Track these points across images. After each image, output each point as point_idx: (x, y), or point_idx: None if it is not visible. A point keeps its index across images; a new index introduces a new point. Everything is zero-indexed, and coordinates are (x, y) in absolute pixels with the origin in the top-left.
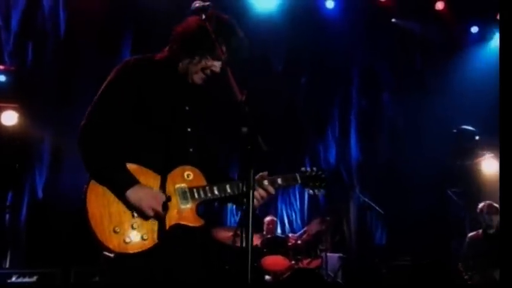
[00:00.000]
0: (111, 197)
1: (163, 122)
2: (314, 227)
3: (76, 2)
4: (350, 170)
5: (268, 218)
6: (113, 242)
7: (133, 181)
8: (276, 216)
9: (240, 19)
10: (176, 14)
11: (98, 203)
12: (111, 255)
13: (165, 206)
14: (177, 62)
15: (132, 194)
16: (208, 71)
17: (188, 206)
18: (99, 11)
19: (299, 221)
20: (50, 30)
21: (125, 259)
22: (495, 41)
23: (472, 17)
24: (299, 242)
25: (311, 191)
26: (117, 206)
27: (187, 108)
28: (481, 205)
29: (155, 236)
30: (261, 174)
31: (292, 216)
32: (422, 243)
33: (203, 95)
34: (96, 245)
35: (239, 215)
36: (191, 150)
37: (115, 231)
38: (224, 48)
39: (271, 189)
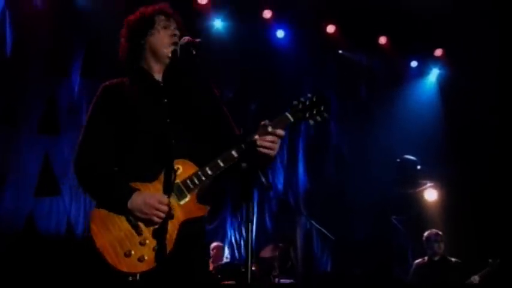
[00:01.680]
0: (112, 226)
1: (146, 130)
2: (267, 253)
3: (24, 20)
4: (297, 197)
5: (214, 244)
6: (127, 265)
7: (131, 191)
8: (223, 242)
9: None
10: None
11: (104, 236)
12: (135, 277)
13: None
14: (140, 56)
15: (132, 204)
16: (170, 32)
17: (188, 199)
18: (48, 30)
19: None
20: None
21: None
22: (432, 76)
23: (412, 52)
24: (253, 268)
25: (312, 122)
26: (121, 230)
27: (165, 100)
28: (427, 233)
29: (170, 241)
30: (262, 123)
31: (240, 241)
32: (366, 269)
33: (180, 90)
34: (109, 273)
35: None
36: (173, 141)
37: (127, 255)
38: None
39: (280, 132)
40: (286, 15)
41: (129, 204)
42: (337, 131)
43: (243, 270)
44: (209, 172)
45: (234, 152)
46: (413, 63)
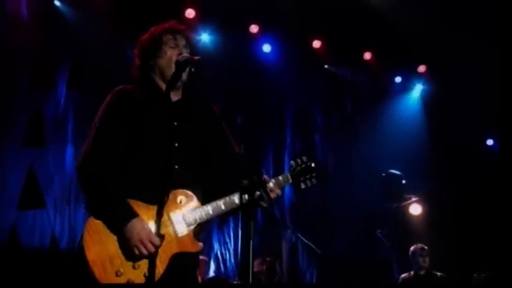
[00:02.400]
0: (107, 242)
1: (152, 147)
2: (254, 267)
3: (9, 31)
4: (283, 210)
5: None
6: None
7: (132, 215)
8: (209, 255)
9: None
10: (114, 48)
11: (96, 250)
12: None
13: (158, 245)
14: (150, 75)
15: (128, 228)
16: (178, 52)
17: (185, 233)
18: (34, 41)
19: (233, 261)
20: None
21: None
22: (416, 91)
23: (396, 68)
24: (239, 282)
25: (303, 186)
26: (115, 249)
27: (175, 123)
28: (413, 247)
29: (159, 270)
30: (265, 177)
31: (226, 255)
32: (351, 283)
33: (189, 111)
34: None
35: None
36: (176, 167)
37: (117, 275)
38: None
39: (279, 193)
40: (272, 30)
41: (126, 228)
42: (322, 145)
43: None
44: (210, 212)
45: (235, 199)
46: (398, 79)
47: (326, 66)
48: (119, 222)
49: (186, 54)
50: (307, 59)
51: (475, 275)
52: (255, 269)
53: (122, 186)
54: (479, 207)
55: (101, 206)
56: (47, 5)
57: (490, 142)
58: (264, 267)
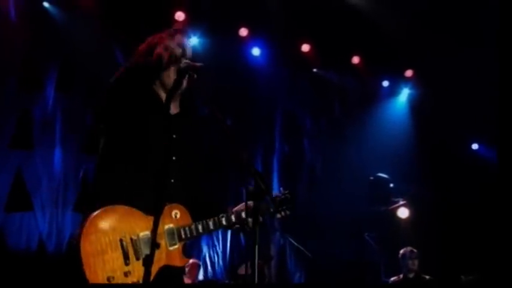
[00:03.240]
0: (105, 244)
1: (149, 158)
2: (244, 270)
3: None
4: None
5: (190, 261)
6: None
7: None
8: (198, 259)
9: None
10: (103, 50)
11: (92, 250)
12: None
13: (155, 246)
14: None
15: None
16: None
17: (176, 247)
18: (22, 43)
19: (221, 264)
20: None
21: None
22: (403, 95)
23: (384, 72)
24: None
25: (278, 215)
26: (111, 253)
27: (174, 136)
28: (402, 250)
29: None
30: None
31: (214, 258)
32: (339, 285)
33: (188, 123)
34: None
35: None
36: (172, 181)
37: (108, 280)
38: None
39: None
40: (262, 34)
41: None
42: (310, 149)
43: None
44: (200, 230)
45: (223, 220)
46: (385, 83)
47: (315, 70)
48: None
49: (186, 61)
50: (296, 63)
51: (462, 277)
52: (245, 272)
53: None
54: (466, 210)
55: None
56: (35, 6)
57: (475, 146)
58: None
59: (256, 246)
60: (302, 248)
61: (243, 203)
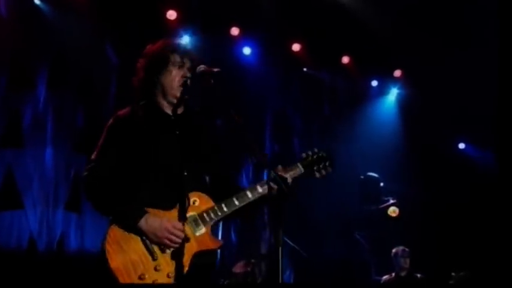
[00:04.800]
0: (128, 249)
1: (158, 160)
2: (239, 268)
3: None
4: (262, 212)
5: None
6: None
7: (141, 212)
8: None
9: None
10: (95, 48)
11: (119, 258)
12: None
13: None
14: (151, 90)
15: (144, 224)
16: (183, 74)
17: (203, 231)
18: (13, 40)
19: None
20: None
21: None
22: (392, 95)
23: (373, 72)
24: (225, 282)
25: (318, 175)
26: (136, 253)
27: (177, 132)
28: (394, 249)
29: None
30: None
31: None
32: (329, 284)
33: (190, 121)
34: None
35: None
36: (186, 174)
37: (141, 278)
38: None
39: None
40: (253, 33)
41: (143, 225)
42: (300, 148)
43: None
44: (225, 209)
45: (248, 193)
46: (374, 83)
47: (305, 69)
48: (131, 218)
49: (203, 66)
50: (287, 62)
51: (453, 274)
52: (240, 271)
53: (128, 193)
54: (455, 209)
55: (108, 209)
56: (26, 3)
57: (461, 146)
58: (249, 269)
59: (280, 248)
60: (297, 247)
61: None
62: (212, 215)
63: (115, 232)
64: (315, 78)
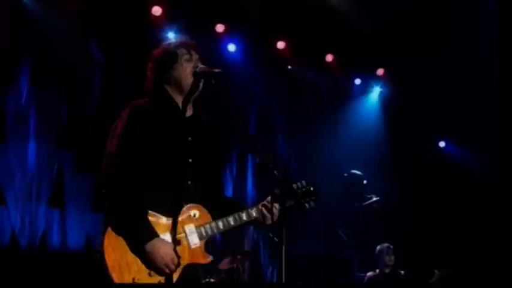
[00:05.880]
0: (126, 249)
1: (167, 160)
2: (226, 265)
3: None
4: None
5: None
6: None
7: (152, 235)
8: None
9: (148, 58)
10: (79, 44)
11: (116, 256)
12: None
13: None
14: (164, 88)
15: (151, 248)
16: (193, 65)
17: (197, 245)
18: None
19: None
20: None
21: None
22: (375, 94)
23: (356, 70)
24: (212, 280)
25: (308, 206)
26: (132, 255)
27: (189, 139)
28: (379, 246)
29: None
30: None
31: None
32: (312, 281)
33: (202, 125)
34: None
35: None
36: (189, 182)
37: (134, 281)
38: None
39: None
40: (238, 30)
41: (147, 246)
42: (285, 145)
43: None
44: (221, 227)
45: (243, 215)
46: (357, 81)
47: (289, 67)
48: (141, 239)
49: (203, 66)
50: (271, 59)
51: (436, 271)
52: (227, 267)
53: (142, 201)
54: (439, 206)
55: (122, 223)
56: None
57: (442, 144)
58: (235, 265)
59: (283, 247)
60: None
61: (264, 200)
62: (209, 231)
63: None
64: (299, 76)
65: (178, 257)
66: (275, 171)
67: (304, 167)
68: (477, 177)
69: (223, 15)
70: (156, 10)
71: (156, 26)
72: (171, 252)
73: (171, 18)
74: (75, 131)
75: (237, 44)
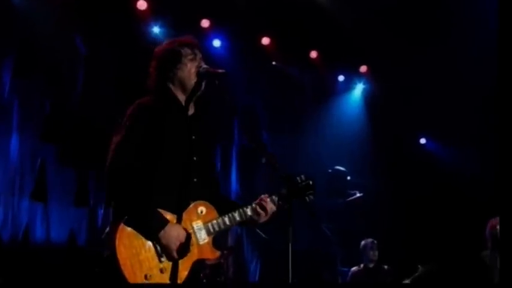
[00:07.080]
0: (138, 246)
1: (172, 158)
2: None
3: None
4: None
5: None
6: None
7: (164, 222)
8: None
9: (133, 52)
10: (63, 37)
11: (127, 253)
12: None
13: (187, 248)
14: (168, 86)
15: (165, 235)
16: (197, 64)
17: (205, 241)
18: None
19: None
20: None
21: None
22: (358, 90)
23: (340, 67)
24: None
25: (308, 200)
26: (145, 254)
27: (193, 137)
28: (363, 241)
29: (182, 275)
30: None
31: None
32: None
33: (205, 124)
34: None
35: None
36: (195, 180)
37: (146, 278)
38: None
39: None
40: (223, 26)
41: (161, 233)
42: (269, 142)
43: None
44: (227, 223)
45: (248, 210)
46: (341, 78)
47: (274, 63)
48: (154, 228)
49: (206, 66)
50: (256, 55)
51: (419, 266)
52: (212, 262)
53: (150, 191)
54: (421, 202)
55: (133, 213)
56: None
57: (423, 141)
58: (222, 260)
59: (290, 244)
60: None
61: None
62: (216, 227)
63: (127, 229)
64: (283, 73)
65: (188, 250)
66: (281, 172)
67: (289, 163)
68: (458, 173)
69: (208, 10)
70: (141, 4)
71: (141, 21)
72: (183, 232)
73: (156, 12)
74: (58, 124)
75: (222, 40)
